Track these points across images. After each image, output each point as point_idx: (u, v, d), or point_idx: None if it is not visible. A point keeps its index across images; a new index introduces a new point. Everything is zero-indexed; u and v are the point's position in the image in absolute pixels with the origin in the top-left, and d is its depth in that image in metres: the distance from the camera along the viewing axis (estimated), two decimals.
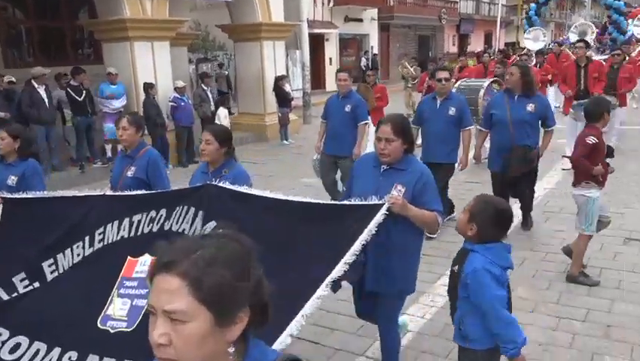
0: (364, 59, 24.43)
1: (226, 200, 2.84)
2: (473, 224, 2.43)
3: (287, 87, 11.80)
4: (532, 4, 23.45)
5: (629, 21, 20.37)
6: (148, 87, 9.16)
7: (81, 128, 9.25)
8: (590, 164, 4.14)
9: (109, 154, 9.69)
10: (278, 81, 11.62)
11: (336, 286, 2.50)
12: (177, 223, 2.91)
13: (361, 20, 24.72)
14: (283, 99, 11.57)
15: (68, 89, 9.10)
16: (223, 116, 9.96)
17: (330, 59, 23.21)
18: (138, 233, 2.98)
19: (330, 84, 23.12)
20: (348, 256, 2.36)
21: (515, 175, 5.25)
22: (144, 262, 2.80)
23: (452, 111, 5.42)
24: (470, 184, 7.12)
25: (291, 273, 2.32)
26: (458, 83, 8.57)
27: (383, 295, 3.00)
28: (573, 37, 16.62)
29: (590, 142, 4.11)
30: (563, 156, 7.90)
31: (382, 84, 9.51)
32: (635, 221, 5.78)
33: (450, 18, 30.75)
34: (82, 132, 9.30)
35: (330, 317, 4.03)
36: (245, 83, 12.65)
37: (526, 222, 5.69)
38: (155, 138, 9.30)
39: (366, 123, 6.26)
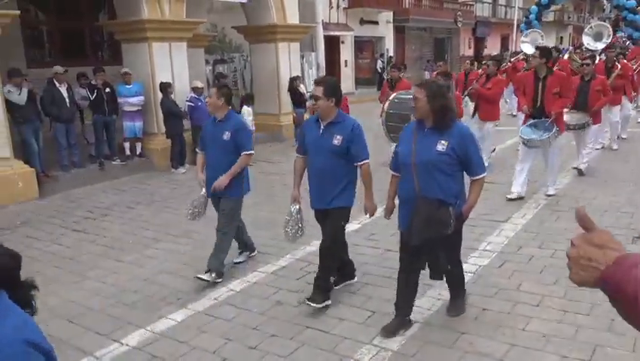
0: (379, 62, 24.50)
1: None
2: None
3: (302, 88, 11.94)
4: (533, 7, 22.35)
5: None
6: (166, 86, 9.36)
7: (99, 126, 9.48)
8: None
9: (128, 152, 9.91)
10: (293, 82, 11.78)
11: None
12: None
13: (376, 23, 24.81)
14: (298, 100, 11.72)
15: (88, 88, 9.34)
16: (247, 114, 10.15)
17: (346, 61, 23.33)
18: None
19: (346, 86, 23.27)
20: None
21: (416, 243, 3.48)
22: None
23: (337, 140, 3.95)
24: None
25: None
26: (393, 95, 7.60)
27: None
28: (587, 40, 15.62)
29: None
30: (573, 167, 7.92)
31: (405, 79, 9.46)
32: None
33: (466, 21, 30.68)
34: (100, 130, 9.53)
35: (339, 307, 4.15)
36: (260, 84, 12.83)
37: (454, 308, 3.96)
38: (175, 136, 9.49)
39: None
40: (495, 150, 8.99)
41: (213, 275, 4.60)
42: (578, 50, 16.34)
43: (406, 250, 3.66)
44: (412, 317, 3.86)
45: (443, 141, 3.43)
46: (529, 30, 18.23)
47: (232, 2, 12.03)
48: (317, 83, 4.09)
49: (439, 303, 4.14)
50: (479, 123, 8.30)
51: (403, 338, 3.66)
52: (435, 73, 10.42)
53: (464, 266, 4.74)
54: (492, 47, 34.07)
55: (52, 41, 12.65)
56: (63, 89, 8.87)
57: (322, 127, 4.03)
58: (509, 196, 6.67)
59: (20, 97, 8.11)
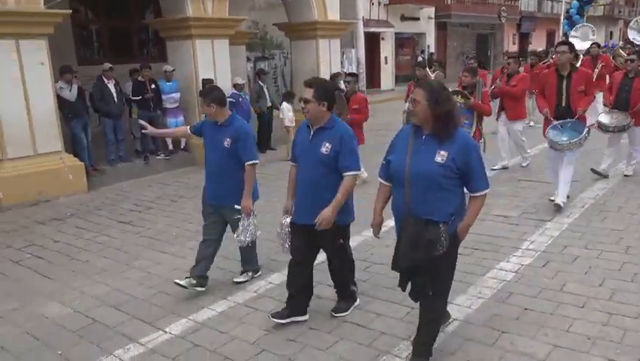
0: (420, 58, 24.23)
1: None
2: None
3: (342, 85, 11.93)
4: (574, 2, 20.79)
5: None
6: (207, 83, 9.53)
7: (145, 121, 9.71)
8: None
9: (170, 147, 10.17)
10: (334, 79, 11.77)
11: None
12: None
13: (417, 19, 24.53)
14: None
15: (133, 84, 9.62)
16: (287, 110, 10.25)
17: (386, 57, 23.17)
18: None
19: (386, 83, 23.12)
20: None
21: (404, 266, 3.11)
22: None
23: (325, 148, 3.58)
24: None
25: None
26: (407, 104, 6.81)
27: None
28: (633, 35, 14.71)
29: None
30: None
31: (361, 93, 8.03)
32: None
33: (510, 16, 29.96)
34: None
35: (377, 303, 4.15)
36: (300, 80, 12.86)
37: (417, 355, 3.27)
38: None
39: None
40: (529, 152, 8.49)
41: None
42: (629, 45, 15.57)
43: (398, 271, 3.19)
44: (452, 315, 3.83)
45: (442, 152, 2.94)
46: (580, 24, 17.40)
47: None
48: (307, 84, 3.59)
49: (479, 301, 4.08)
50: (507, 124, 8.14)
51: (443, 334, 3.63)
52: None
53: (505, 265, 4.70)
54: (538, 43, 33.15)
55: (101, 40, 13.07)
56: (111, 86, 9.17)
57: (312, 133, 3.65)
58: (556, 202, 6.16)
59: (71, 93, 8.45)
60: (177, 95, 9.97)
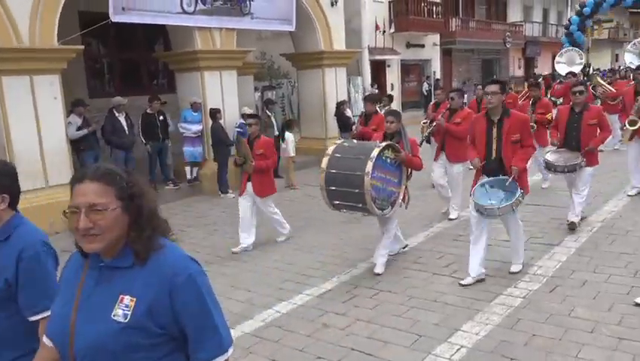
0: (426, 84, 24.45)
1: None
2: None
3: (348, 112, 12.08)
4: (574, 17, 19.75)
5: None
6: (215, 112, 9.71)
7: (154, 152, 9.90)
8: None
9: (189, 176, 10.28)
10: (340, 106, 11.94)
11: None
12: None
13: (422, 46, 24.83)
14: (344, 124, 11.85)
15: (142, 117, 9.80)
16: (290, 141, 10.38)
17: (392, 84, 23.40)
18: None
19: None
20: None
21: None
22: None
23: None
24: None
25: None
26: (340, 142, 5.58)
27: None
28: (629, 58, 13.93)
29: None
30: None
31: (265, 137, 6.64)
32: None
33: (515, 41, 30.23)
34: (154, 156, 9.95)
35: (385, 331, 4.14)
36: (307, 109, 13.07)
37: None
38: (222, 162, 9.79)
39: None
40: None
41: None
42: (609, 74, 14.54)
43: None
44: (460, 342, 3.81)
45: (127, 296, 1.55)
46: (565, 49, 16.25)
47: (280, 30, 12.40)
48: None
49: (488, 328, 4.06)
50: (446, 166, 7.10)
51: None
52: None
53: (514, 291, 4.70)
54: (543, 67, 33.37)
55: (112, 72, 13.38)
56: (122, 118, 9.36)
57: None
58: (462, 283, 4.90)
59: (71, 132, 8.38)
60: (199, 127, 10.07)
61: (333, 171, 5.20)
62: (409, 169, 5.48)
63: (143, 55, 13.23)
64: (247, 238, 6.43)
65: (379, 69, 22.39)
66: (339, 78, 12.96)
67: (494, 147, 4.85)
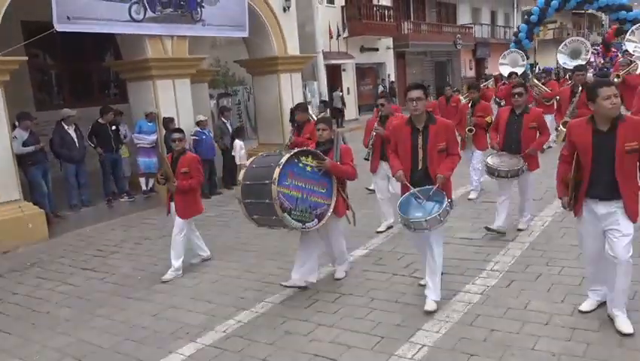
0: (380, 87, 24.77)
1: None
2: None
3: (311, 112, 12.08)
4: (522, 25, 21.03)
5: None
6: (168, 122, 9.52)
7: (107, 163, 9.64)
8: None
9: (144, 187, 10.04)
10: (293, 112, 11.91)
11: None
12: None
13: (376, 49, 25.18)
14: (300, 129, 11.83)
15: (93, 127, 9.53)
16: (239, 148, 10.27)
17: (348, 88, 23.61)
18: None
19: (349, 113, 23.49)
20: None
21: None
22: None
23: None
24: None
25: None
26: (256, 157, 5.05)
27: None
28: (562, 59, 13.93)
29: None
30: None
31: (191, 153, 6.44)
32: None
33: (465, 43, 31.05)
34: (108, 168, 9.68)
35: (348, 334, 4.14)
36: (264, 115, 13.01)
37: None
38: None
39: None
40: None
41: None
42: (544, 74, 13.77)
43: None
44: (421, 341, 3.85)
45: None
46: (509, 50, 16.40)
47: (233, 37, 12.30)
48: None
49: (448, 325, 4.11)
50: (389, 175, 6.32)
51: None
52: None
53: (472, 287, 4.77)
54: (493, 68, 34.35)
55: (60, 84, 12.96)
56: (72, 131, 9.06)
57: None
58: (421, 283, 4.80)
59: (17, 147, 8.01)
60: (154, 137, 9.87)
61: (248, 182, 4.73)
62: (342, 178, 5.03)
63: (93, 65, 12.90)
64: (179, 259, 5.87)
65: (334, 73, 22.56)
66: (294, 83, 12.95)
67: (420, 156, 4.44)
